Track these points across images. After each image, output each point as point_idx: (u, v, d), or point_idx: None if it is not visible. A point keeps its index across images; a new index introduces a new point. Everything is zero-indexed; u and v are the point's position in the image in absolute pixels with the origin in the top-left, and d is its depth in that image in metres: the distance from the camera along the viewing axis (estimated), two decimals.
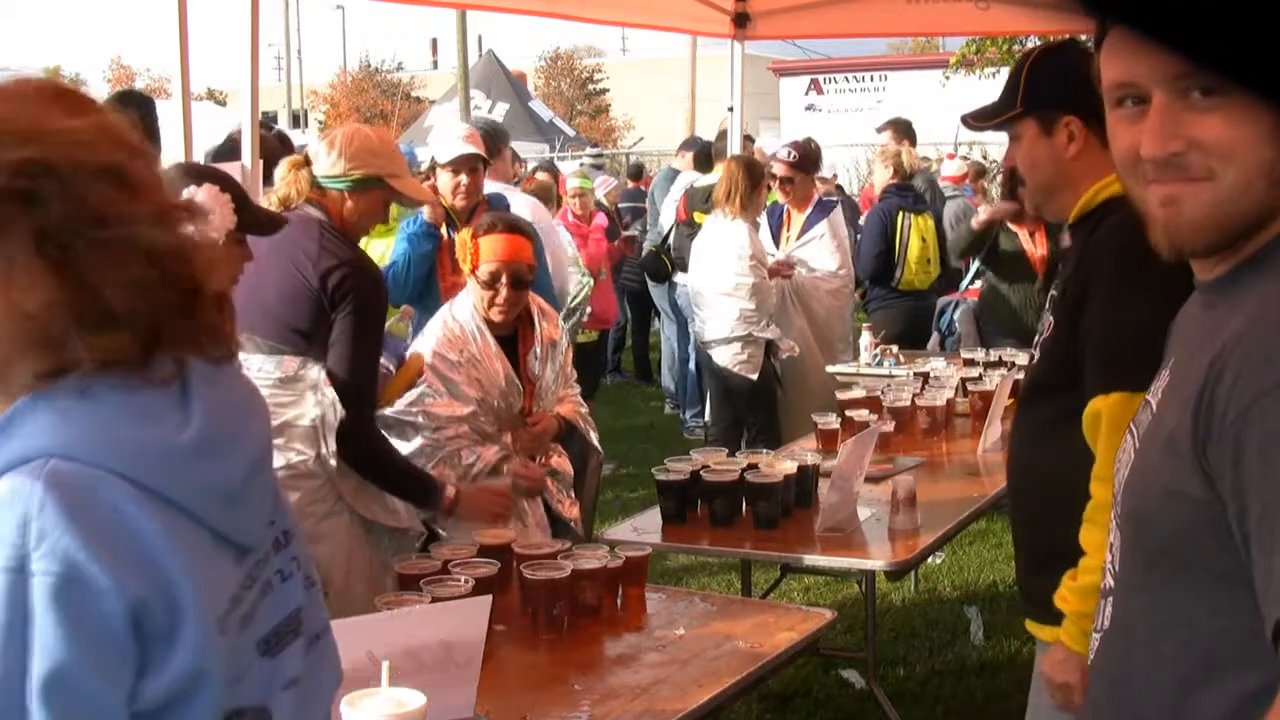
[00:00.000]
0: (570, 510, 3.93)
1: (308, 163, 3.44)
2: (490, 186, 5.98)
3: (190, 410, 1.23)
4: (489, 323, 3.81)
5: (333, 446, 3.26)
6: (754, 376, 6.56)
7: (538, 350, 3.88)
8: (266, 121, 8.95)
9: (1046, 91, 2.53)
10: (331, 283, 3.26)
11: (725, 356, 6.60)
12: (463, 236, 3.86)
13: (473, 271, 3.79)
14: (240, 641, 1.25)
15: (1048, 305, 2.61)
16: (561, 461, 3.99)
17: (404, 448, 3.64)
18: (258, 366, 3.22)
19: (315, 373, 3.26)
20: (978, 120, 2.65)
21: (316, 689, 1.39)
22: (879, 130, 9.27)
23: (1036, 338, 2.64)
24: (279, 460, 3.12)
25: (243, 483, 1.26)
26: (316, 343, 3.28)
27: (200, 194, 2.74)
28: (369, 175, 3.40)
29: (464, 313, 3.83)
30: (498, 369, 3.79)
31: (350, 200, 3.41)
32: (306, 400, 3.26)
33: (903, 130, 8.78)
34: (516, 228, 3.87)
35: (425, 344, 3.79)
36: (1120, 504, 1.46)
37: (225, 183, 2.84)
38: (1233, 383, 1.24)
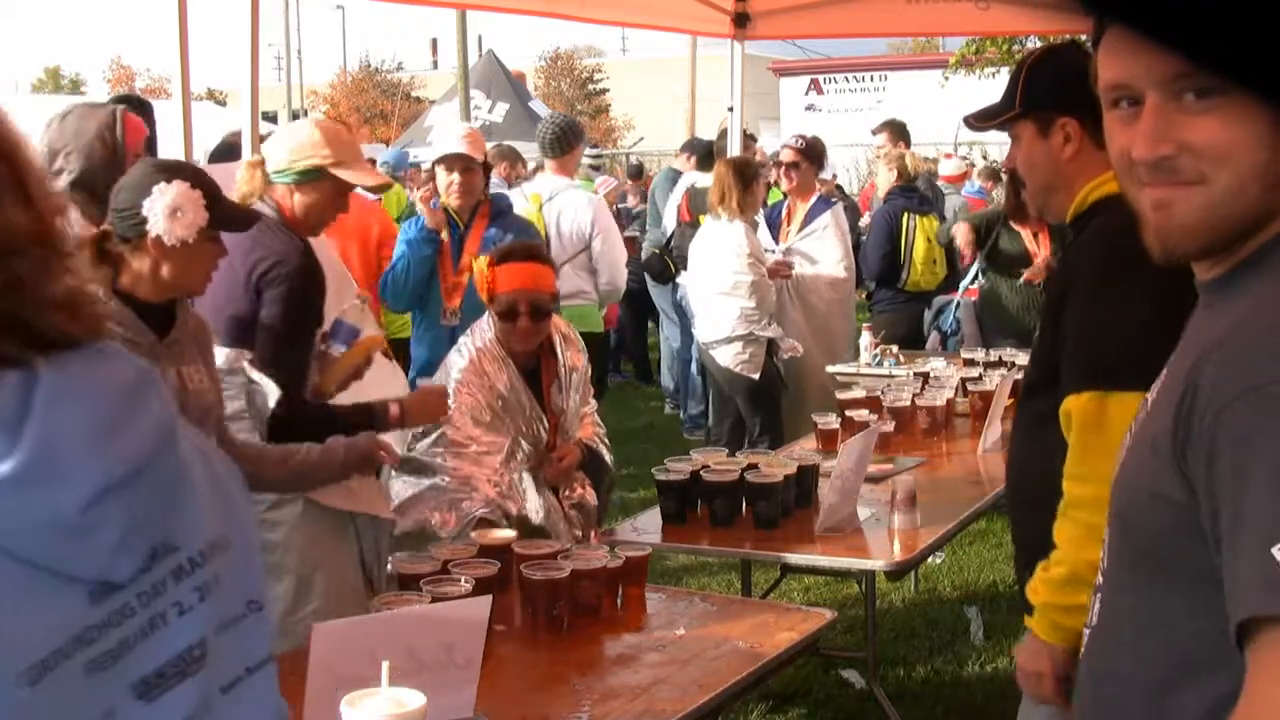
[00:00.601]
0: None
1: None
2: (556, 182, 6.01)
3: (22, 433, 1.09)
4: (510, 353, 3.73)
5: (263, 432, 3.25)
6: (755, 376, 6.55)
7: (561, 381, 3.81)
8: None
9: (1043, 93, 2.55)
10: (256, 273, 3.28)
11: (726, 356, 6.58)
12: (480, 264, 3.79)
13: (490, 300, 3.72)
14: (95, 685, 1.13)
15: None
16: (586, 493, 3.95)
17: (420, 485, 3.61)
18: None
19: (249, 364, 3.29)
20: (979, 121, 2.68)
21: None
22: (874, 132, 9.29)
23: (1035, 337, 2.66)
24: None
25: (83, 513, 1.12)
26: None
27: (171, 191, 2.74)
28: (311, 166, 3.40)
29: (485, 343, 3.74)
30: (523, 403, 3.72)
31: (298, 193, 3.41)
32: (245, 391, 3.28)
33: (898, 132, 8.80)
34: (535, 255, 3.81)
35: (448, 376, 3.73)
36: (1111, 502, 1.46)
37: (196, 179, 2.83)
38: (1211, 385, 1.23)
